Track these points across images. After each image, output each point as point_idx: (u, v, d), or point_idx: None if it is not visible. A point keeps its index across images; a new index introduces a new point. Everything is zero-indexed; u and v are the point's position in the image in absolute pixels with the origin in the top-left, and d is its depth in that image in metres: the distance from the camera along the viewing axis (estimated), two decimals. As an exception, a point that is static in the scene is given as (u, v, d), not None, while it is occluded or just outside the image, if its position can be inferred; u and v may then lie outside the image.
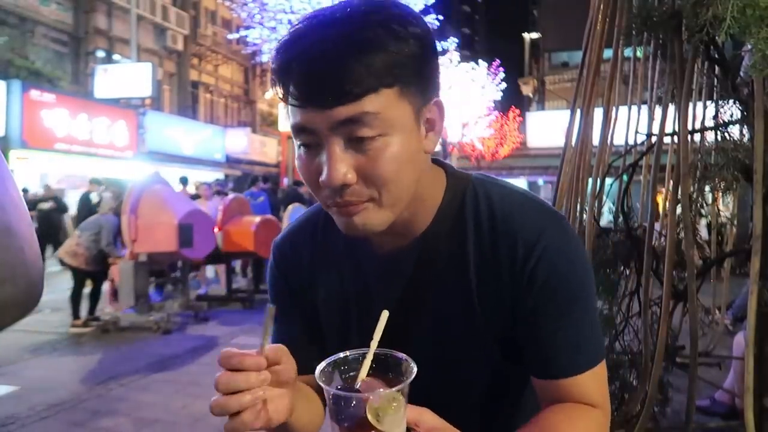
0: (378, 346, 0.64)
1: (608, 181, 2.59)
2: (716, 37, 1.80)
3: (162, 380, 4.45)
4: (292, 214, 8.38)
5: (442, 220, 0.80)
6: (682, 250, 2.24)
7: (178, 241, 5.86)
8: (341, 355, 0.65)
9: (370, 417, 0.57)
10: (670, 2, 2.07)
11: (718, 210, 3.16)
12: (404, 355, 0.63)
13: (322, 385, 0.61)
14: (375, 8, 0.67)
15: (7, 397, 4.09)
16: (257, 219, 7.49)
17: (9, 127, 11.97)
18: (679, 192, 1.99)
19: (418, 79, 0.70)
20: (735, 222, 3.63)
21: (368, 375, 0.63)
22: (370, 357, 0.62)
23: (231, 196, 8.26)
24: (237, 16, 13.91)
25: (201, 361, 4.98)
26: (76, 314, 6.09)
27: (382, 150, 0.68)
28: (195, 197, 8.74)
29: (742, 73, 2.09)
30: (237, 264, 9.15)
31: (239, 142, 21.24)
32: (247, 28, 12.52)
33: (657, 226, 2.65)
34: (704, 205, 2.41)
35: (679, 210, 2.02)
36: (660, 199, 2.98)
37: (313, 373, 0.75)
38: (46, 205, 10.38)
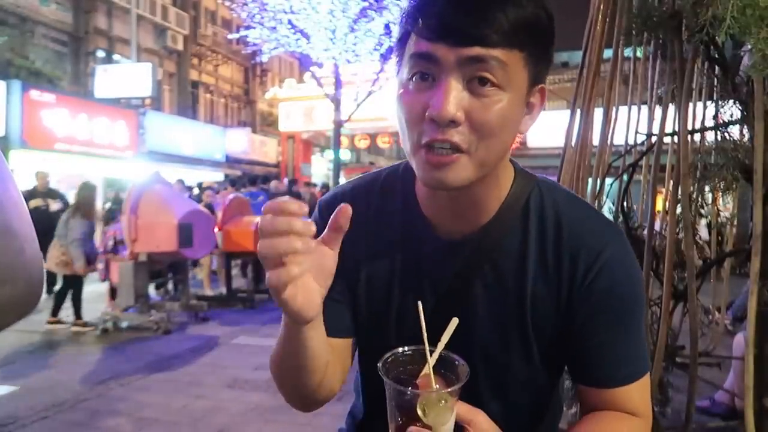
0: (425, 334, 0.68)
1: (608, 181, 2.59)
2: (716, 37, 1.80)
3: (162, 380, 4.44)
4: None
5: (506, 214, 0.80)
6: (682, 250, 2.24)
7: (178, 241, 5.86)
8: (403, 349, 0.69)
9: (419, 411, 0.62)
10: (670, 2, 2.07)
11: (718, 210, 3.16)
12: (460, 358, 0.67)
13: (382, 376, 0.64)
14: None
15: (7, 397, 4.08)
16: (257, 219, 7.48)
17: (9, 127, 11.96)
18: (679, 192, 1.99)
19: (541, 52, 0.71)
20: (735, 222, 3.63)
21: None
22: (434, 357, 0.66)
23: (231, 196, 8.26)
24: (237, 16, 13.90)
25: (201, 361, 4.97)
26: (78, 314, 6.08)
27: (495, 101, 0.68)
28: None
29: (741, 73, 2.09)
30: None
31: (239, 142, 21.23)
32: (247, 28, 12.51)
33: (657, 226, 2.65)
34: (704, 205, 2.40)
35: (679, 210, 2.02)
36: (660, 199, 2.98)
37: (341, 336, 0.83)
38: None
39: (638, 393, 0.79)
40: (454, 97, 0.67)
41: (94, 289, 7.25)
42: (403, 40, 0.73)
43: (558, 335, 0.80)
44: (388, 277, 0.84)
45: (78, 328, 5.99)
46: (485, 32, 0.65)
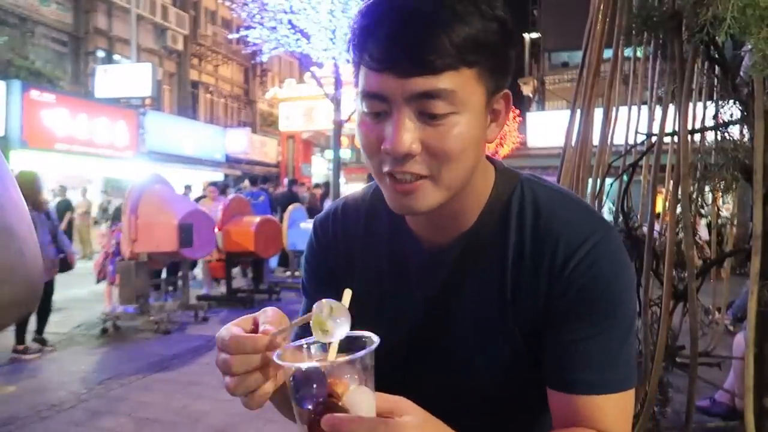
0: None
1: (608, 181, 2.59)
2: (716, 37, 1.80)
3: (162, 380, 4.45)
4: (293, 214, 8.39)
5: (488, 217, 0.79)
6: (682, 250, 2.24)
7: (178, 241, 5.86)
8: (302, 341, 0.61)
9: (335, 394, 0.54)
10: (670, 2, 2.07)
11: (718, 210, 3.16)
12: (366, 332, 0.60)
13: (280, 363, 0.58)
14: None
15: (7, 397, 4.09)
16: (257, 219, 7.49)
17: (9, 127, 11.97)
18: (679, 192, 1.99)
19: (496, 64, 0.69)
20: (735, 222, 3.63)
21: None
22: (335, 341, 0.58)
23: (231, 196, 8.27)
24: (237, 16, 13.90)
25: (201, 361, 4.98)
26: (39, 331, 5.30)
27: (450, 127, 0.67)
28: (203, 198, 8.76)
29: (742, 73, 2.09)
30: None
31: (239, 142, 21.23)
32: (247, 28, 12.50)
33: (657, 226, 2.65)
34: (704, 205, 2.40)
35: (679, 210, 2.02)
36: (660, 199, 2.98)
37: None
38: None
39: (614, 409, 0.70)
40: (407, 131, 0.66)
41: (95, 289, 7.26)
42: (357, 66, 0.72)
43: (540, 332, 0.76)
44: (379, 294, 0.84)
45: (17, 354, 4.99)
46: (429, 58, 0.63)
